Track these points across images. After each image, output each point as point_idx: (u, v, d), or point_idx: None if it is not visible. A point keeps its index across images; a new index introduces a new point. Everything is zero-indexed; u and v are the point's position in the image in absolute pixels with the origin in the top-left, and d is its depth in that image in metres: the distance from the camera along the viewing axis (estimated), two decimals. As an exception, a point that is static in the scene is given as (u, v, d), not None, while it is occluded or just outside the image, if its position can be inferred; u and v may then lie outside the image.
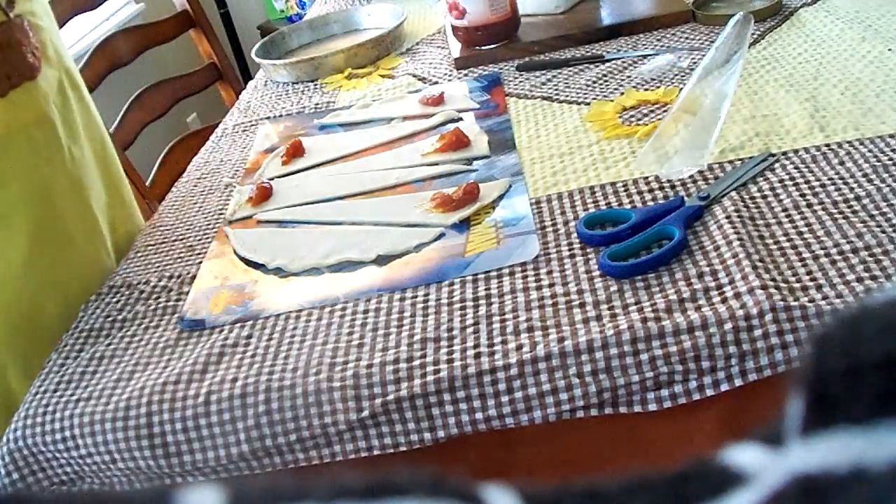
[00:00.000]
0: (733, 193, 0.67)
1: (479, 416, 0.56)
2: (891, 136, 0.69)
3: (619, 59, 0.99)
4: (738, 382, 0.53)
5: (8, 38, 0.77)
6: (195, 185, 0.96)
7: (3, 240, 0.78)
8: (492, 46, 1.09)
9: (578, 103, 0.91)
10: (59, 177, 0.83)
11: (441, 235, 0.72)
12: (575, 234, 0.67)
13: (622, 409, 0.55)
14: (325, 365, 0.59)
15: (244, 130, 1.08)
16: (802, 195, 0.65)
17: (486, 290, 0.63)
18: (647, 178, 0.73)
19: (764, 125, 0.76)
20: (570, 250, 0.65)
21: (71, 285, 0.80)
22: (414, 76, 1.11)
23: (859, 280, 0.55)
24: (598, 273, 0.62)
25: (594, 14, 1.12)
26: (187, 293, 0.73)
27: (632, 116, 0.85)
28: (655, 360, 0.54)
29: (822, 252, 0.58)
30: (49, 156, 0.82)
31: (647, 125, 0.81)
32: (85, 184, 0.87)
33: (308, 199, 0.85)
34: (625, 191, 0.72)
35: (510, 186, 0.77)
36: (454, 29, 1.12)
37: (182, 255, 0.80)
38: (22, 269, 0.78)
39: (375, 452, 0.58)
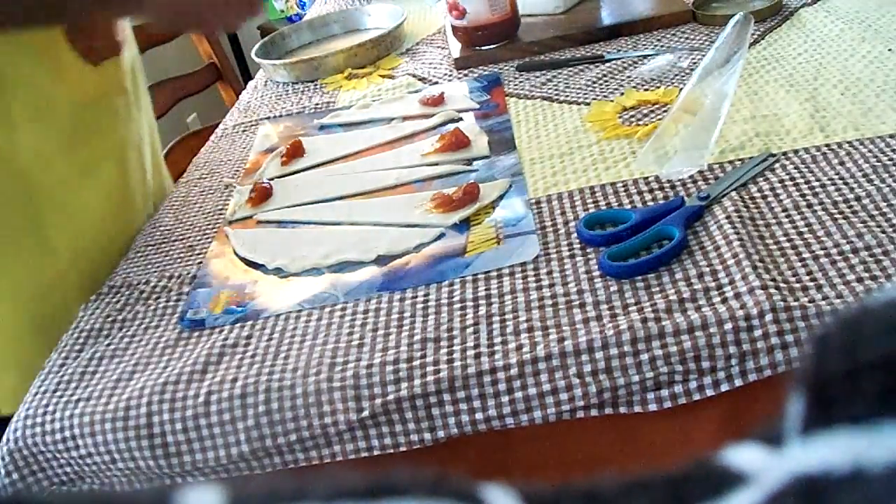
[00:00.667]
0: (733, 194, 0.67)
1: (479, 416, 0.56)
2: (891, 136, 0.69)
3: (619, 59, 0.99)
4: (738, 383, 0.53)
5: None
6: (195, 185, 0.96)
7: (88, 189, 0.88)
8: (492, 47, 1.09)
9: (578, 103, 0.91)
10: (130, 142, 0.95)
11: (441, 235, 0.72)
12: (575, 235, 0.67)
13: (622, 410, 0.55)
14: (325, 365, 0.59)
15: (244, 130, 1.08)
16: (802, 195, 0.65)
17: (486, 290, 0.63)
18: (647, 178, 0.73)
19: (764, 125, 0.76)
20: (570, 250, 0.65)
21: (128, 243, 0.88)
22: (414, 76, 1.11)
23: (859, 280, 0.55)
24: (598, 273, 0.62)
25: (594, 14, 1.12)
26: (187, 293, 0.73)
27: (632, 117, 0.85)
28: (655, 361, 0.54)
29: (822, 252, 0.58)
30: (125, 122, 0.94)
31: (647, 125, 0.81)
32: (144, 152, 0.99)
33: (308, 199, 0.85)
34: (625, 191, 0.72)
35: (510, 186, 0.77)
36: (454, 29, 1.12)
37: (182, 255, 0.80)
38: (100, 221, 0.89)
39: (375, 452, 0.58)
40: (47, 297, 0.84)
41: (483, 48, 1.09)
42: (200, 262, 0.78)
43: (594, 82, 0.95)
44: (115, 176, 0.92)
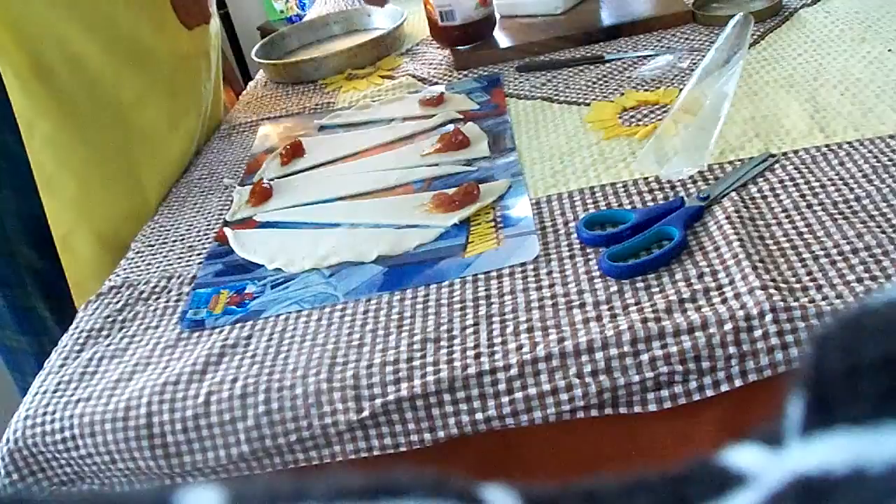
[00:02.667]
0: (733, 194, 0.67)
1: (479, 416, 0.56)
2: (891, 136, 0.69)
3: (619, 59, 0.99)
4: (738, 383, 0.53)
5: None
6: (195, 186, 0.96)
7: (174, 138, 1.01)
8: (468, 47, 1.11)
9: (578, 104, 0.91)
10: (206, 101, 1.08)
11: (441, 236, 0.72)
12: (575, 235, 0.67)
13: (622, 410, 0.55)
14: (325, 365, 0.59)
15: (244, 131, 1.08)
16: (802, 196, 0.65)
17: (486, 290, 0.63)
18: (647, 178, 0.73)
19: (764, 126, 0.76)
20: (570, 251, 0.65)
21: None
22: (414, 77, 1.11)
23: (859, 280, 0.55)
24: (598, 273, 0.62)
25: (594, 15, 1.12)
26: (187, 293, 0.73)
27: (632, 117, 0.85)
28: (655, 361, 0.54)
29: (822, 252, 0.58)
30: (206, 83, 1.08)
31: (647, 126, 0.81)
32: (209, 114, 1.11)
33: (308, 199, 0.85)
34: (625, 191, 0.72)
35: (510, 187, 0.77)
36: (432, 28, 1.13)
37: (182, 255, 0.80)
38: (180, 168, 1.02)
39: (375, 453, 0.58)
40: (130, 221, 0.94)
41: (461, 48, 1.11)
42: (200, 263, 0.78)
43: (594, 83, 0.95)
44: (193, 129, 1.05)
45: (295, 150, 0.95)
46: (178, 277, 0.76)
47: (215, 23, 1.12)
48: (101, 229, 0.95)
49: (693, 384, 0.54)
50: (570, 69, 1.00)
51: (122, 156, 0.96)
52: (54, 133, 0.91)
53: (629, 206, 0.69)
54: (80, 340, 0.70)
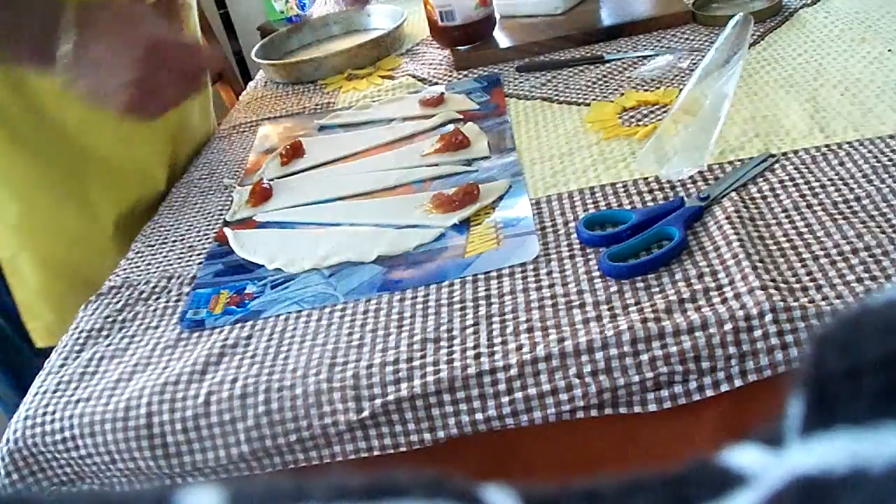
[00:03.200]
0: (733, 194, 0.67)
1: (479, 416, 0.56)
2: (891, 136, 0.69)
3: (619, 59, 0.99)
4: (738, 383, 0.53)
5: (168, 10, 0.96)
6: (195, 186, 0.96)
7: (130, 158, 0.97)
8: (467, 47, 1.11)
9: (578, 104, 0.91)
10: (172, 118, 1.01)
11: (441, 236, 0.72)
12: (575, 235, 0.67)
13: (622, 410, 0.55)
14: (325, 365, 0.59)
15: (244, 131, 1.08)
16: (802, 196, 0.65)
17: (486, 290, 0.63)
18: (647, 178, 0.73)
19: (764, 126, 0.76)
20: (570, 251, 0.65)
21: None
22: (414, 77, 1.11)
23: (859, 281, 0.55)
24: (598, 273, 0.62)
25: (594, 15, 1.12)
26: (187, 294, 0.73)
27: (632, 117, 0.85)
28: (655, 361, 0.54)
29: (821, 253, 0.58)
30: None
31: (647, 126, 0.81)
32: (192, 126, 1.08)
33: (308, 199, 0.85)
34: (625, 191, 0.72)
35: (510, 187, 0.77)
36: (432, 29, 1.13)
37: (182, 255, 0.80)
38: (137, 189, 0.98)
39: (375, 453, 0.58)
40: (80, 246, 0.92)
41: (461, 48, 1.11)
42: (200, 263, 0.78)
43: (594, 83, 0.95)
44: (151, 146, 1.00)
45: (295, 151, 0.95)
46: (178, 277, 0.76)
47: (189, 27, 1.07)
48: (48, 253, 0.93)
49: (693, 384, 0.54)
50: (570, 69, 1.00)
51: (71, 178, 0.93)
52: None
53: (629, 207, 0.69)
54: (80, 340, 0.70)
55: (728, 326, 0.53)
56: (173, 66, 0.76)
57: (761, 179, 0.68)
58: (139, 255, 0.83)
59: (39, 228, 0.92)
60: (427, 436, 0.57)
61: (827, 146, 0.71)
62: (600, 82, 0.95)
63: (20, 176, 0.90)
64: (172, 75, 0.76)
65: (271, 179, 0.91)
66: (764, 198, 0.66)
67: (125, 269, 0.80)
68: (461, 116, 0.95)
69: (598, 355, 0.55)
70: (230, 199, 0.89)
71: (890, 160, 0.66)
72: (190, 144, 1.08)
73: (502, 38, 1.12)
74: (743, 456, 0.17)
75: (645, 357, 0.54)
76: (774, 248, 0.60)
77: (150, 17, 0.81)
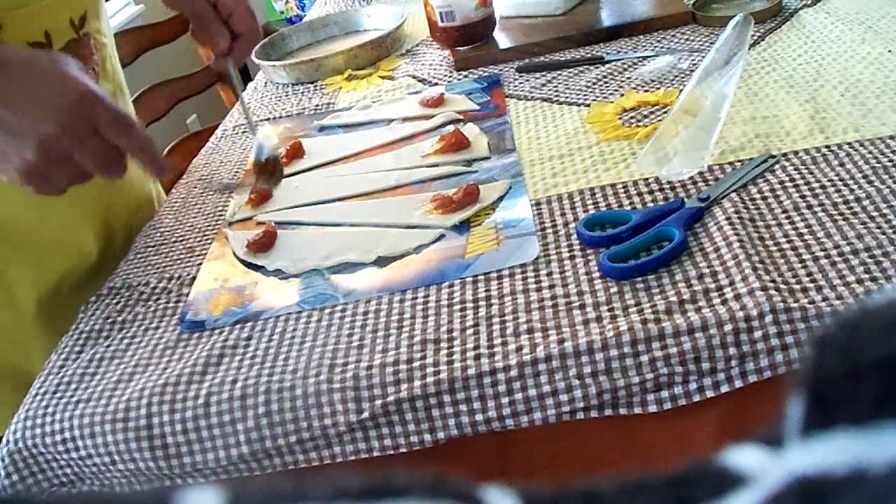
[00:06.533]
0: (733, 195, 0.67)
1: (479, 417, 0.56)
2: (891, 137, 0.69)
3: (619, 60, 0.99)
4: (738, 384, 0.53)
5: (75, 54, 0.78)
6: (195, 187, 0.96)
7: (47, 230, 0.83)
8: (469, 47, 1.11)
9: (578, 105, 0.91)
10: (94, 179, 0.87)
11: (441, 237, 0.72)
12: (575, 236, 0.67)
13: (622, 411, 0.55)
14: (325, 366, 0.59)
15: (244, 132, 1.08)
16: (802, 196, 0.65)
17: (486, 291, 0.63)
18: (647, 179, 0.73)
19: (764, 126, 0.76)
20: (570, 252, 0.65)
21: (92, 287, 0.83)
22: (414, 77, 1.11)
23: (859, 281, 0.55)
24: (598, 274, 0.62)
25: (594, 15, 1.12)
26: (187, 295, 0.73)
27: (632, 118, 0.85)
28: (655, 362, 0.54)
29: (822, 253, 0.58)
30: None
31: (647, 126, 0.81)
32: (134, 186, 0.94)
33: (308, 200, 0.85)
34: (625, 192, 0.72)
35: (510, 188, 0.77)
36: (432, 29, 1.13)
37: (182, 256, 0.80)
38: (60, 264, 0.84)
39: (375, 454, 0.58)
40: (13, 346, 0.82)
41: (461, 49, 1.11)
42: (200, 264, 0.78)
43: (594, 83, 0.95)
44: (76, 211, 0.86)
45: (295, 151, 0.95)
46: (178, 279, 0.76)
47: (105, 85, 0.89)
48: None
49: (693, 385, 0.54)
50: (570, 70, 1.00)
51: None
52: None
53: (629, 207, 0.69)
54: (80, 342, 0.70)
55: (728, 327, 0.53)
56: (99, 132, 0.63)
57: (761, 180, 0.68)
58: (139, 256, 0.83)
59: None
60: (427, 436, 0.57)
61: (827, 147, 0.71)
62: (600, 83, 0.95)
63: None
64: (93, 144, 0.63)
65: (271, 180, 0.91)
66: (764, 198, 0.66)
67: (125, 271, 0.80)
68: (461, 117, 0.95)
69: (598, 356, 0.55)
70: (230, 199, 0.89)
71: (890, 161, 0.66)
72: (127, 209, 0.94)
73: (502, 39, 1.12)
74: (743, 456, 0.17)
75: (645, 358, 0.54)
76: (774, 248, 0.60)
77: (72, 63, 0.65)
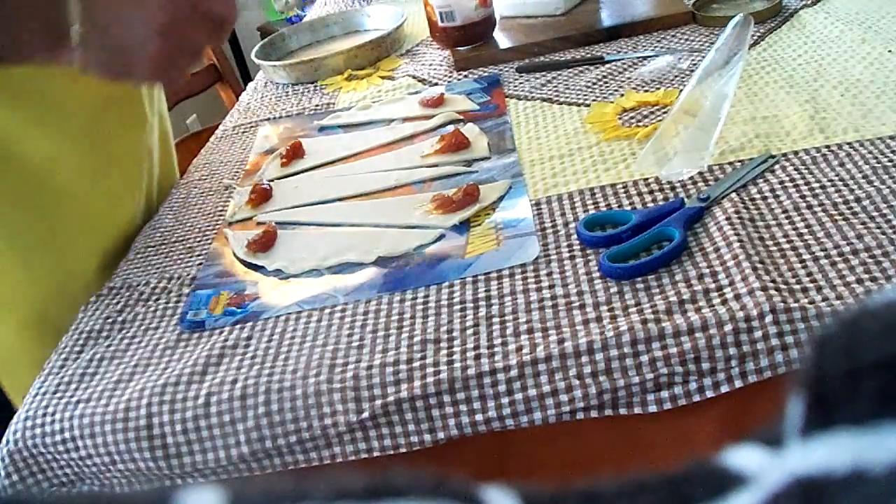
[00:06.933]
0: (733, 195, 0.67)
1: (479, 417, 0.56)
2: (891, 137, 0.69)
3: (618, 60, 0.99)
4: (738, 384, 0.53)
5: None
6: (195, 187, 0.96)
7: (100, 193, 0.88)
8: (469, 47, 1.11)
9: (578, 105, 0.91)
10: (142, 148, 0.96)
11: (441, 237, 0.72)
12: (575, 236, 0.67)
13: (622, 411, 0.55)
14: (325, 366, 0.59)
15: (244, 132, 1.08)
16: (802, 196, 0.65)
17: (486, 291, 0.63)
18: (647, 179, 0.73)
19: (764, 126, 0.76)
20: (570, 252, 0.65)
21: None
22: (414, 77, 1.11)
23: (859, 282, 0.55)
24: (598, 274, 0.62)
25: (594, 16, 1.12)
26: (187, 295, 0.73)
27: (632, 118, 0.85)
28: (655, 362, 0.54)
29: (822, 253, 0.58)
30: (138, 127, 0.95)
31: (647, 127, 0.81)
32: (153, 159, 0.99)
33: (308, 200, 0.85)
34: (625, 192, 0.72)
35: (510, 188, 0.77)
36: (432, 29, 1.13)
37: (182, 256, 0.80)
38: (110, 226, 0.90)
39: (375, 454, 0.58)
40: (59, 296, 0.84)
41: (461, 49, 1.11)
42: (200, 264, 0.78)
43: (594, 84, 0.95)
44: (124, 180, 0.92)
45: (295, 151, 0.95)
46: (178, 278, 0.76)
47: None
48: (22, 312, 0.85)
49: (693, 385, 0.54)
50: (570, 70, 1.00)
51: (40, 225, 0.84)
52: None
53: (629, 207, 0.69)
54: (80, 342, 0.70)
55: (728, 327, 0.53)
56: (200, 5, 0.66)
57: (761, 180, 0.68)
58: (139, 256, 0.83)
59: (11, 287, 0.84)
60: (427, 437, 0.57)
61: (827, 147, 0.71)
62: (600, 83, 0.95)
63: None
64: (198, 17, 0.66)
65: (271, 180, 0.91)
66: (764, 199, 0.66)
67: (125, 271, 0.80)
68: (461, 117, 0.95)
69: (598, 356, 0.55)
70: (230, 199, 0.89)
71: (890, 161, 0.66)
72: (167, 178, 1.02)
73: (502, 39, 1.12)
74: (743, 456, 0.17)
75: (645, 358, 0.54)
76: (774, 248, 0.60)
77: None
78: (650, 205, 0.69)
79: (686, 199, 0.67)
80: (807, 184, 0.66)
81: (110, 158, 0.90)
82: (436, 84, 1.07)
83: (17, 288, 0.84)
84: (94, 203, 0.88)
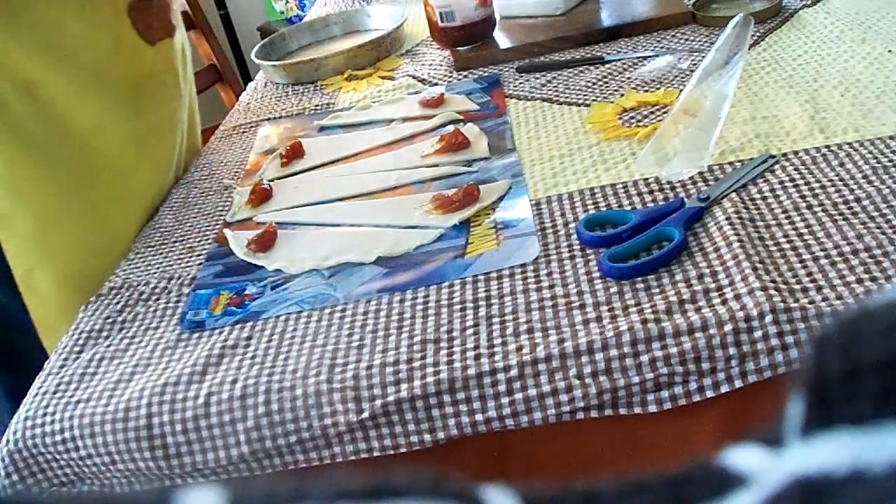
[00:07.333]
0: (733, 195, 0.67)
1: (479, 417, 0.56)
2: (891, 137, 0.69)
3: (619, 60, 0.99)
4: (738, 384, 0.53)
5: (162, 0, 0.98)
6: (195, 187, 0.96)
7: (140, 160, 0.95)
8: (468, 47, 1.11)
9: (578, 105, 0.91)
10: (177, 119, 1.03)
11: (441, 237, 0.72)
12: (575, 236, 0.67)
13: (622, 411, 0.55)
14: (325, 366, 0.59)
15: (244, 132, 1.08)
16: (802, 196, 0.65)
17: (486, 291, 0.63)
18: (647, 179, 0.73)
19: (764, 126, 0.76)
20: (570, 252, 0.65)
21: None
22: (414, 77, 1.11)
23: (859, 281, 0.55)
24: (598, 274, 0.62)
25: (594, 16, 1.12)
26: (187, 294, 0.73)
27: (632, 118, 0.85)
28: (655, 362, 0.54)
29: (822, 253, 0.58)
30: (174, 99, 1.02)
31: (647, 127, 0.81)
32: (184, 131, 1.06)
33: (308, 200, 0.85)
34: (625, 192, 0.72)
35: (510, 188, 0.77)
36: (432, 29, 1.13)
37: (182, 256, 0.80)
38: (148, 192, 0.96)
39: (375, 454, 0.57)
40: (100, 256, 0.88)
41: (461, 49, 1.11)
42: (200, 264, 0.78)
43: (594, 84, 0.95)
44: (162, 149, 0.99)
45: (295, 151, 0.95)
46: (178, 278, 0.76)
47: (181, 35, 1.06)
48: (64, 267, 0.89)
49: (693, 385, 0.54)
50: (570, 70, 1.00)
51: (85, 186, 0.90)
52: (7, 168, 0.85)
53: (629, 207, 0.69)
54: (80, 341, 0.70)
55: (728, 327, 0.53)
56: None
57: (761, 180, 0.68)
58: (139, 255, 0.83)
59: (55, 240, 0.89)
60: (427, 437, 0.57)
61: (827, 147, 0.71)
62: (600, 83, 0.95)
63: (35, 187, 0.87)
64: None
65: (271, 180, 0.91)
66: (764, 198, 0.66)
67: (125, 270, 0.80)
68: (461, 117, 0.95)
69: (598, 356, 0.55)
70: (230, 199, 0.89)
71: (890, 161, 0.66)
72: (192, 148, 1.09)
73: (502, 39, 1.12)
74: (743, 457, 0.17)
75: (645, 358, 0.54)
76: (774, 248, 0.60)
77: None
78: (650, 205, 0.69)
79: (686, 199, 0.67)
80: (807, 184, 0.66)
81: (150, 128, 0.97)
82: (436, 84, 1.07)
83: (61, 244, 0.89)
84: (136, 170, 0.94)
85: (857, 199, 0.63)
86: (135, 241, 0.87)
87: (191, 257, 0.80)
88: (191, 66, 1.11)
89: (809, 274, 0.57)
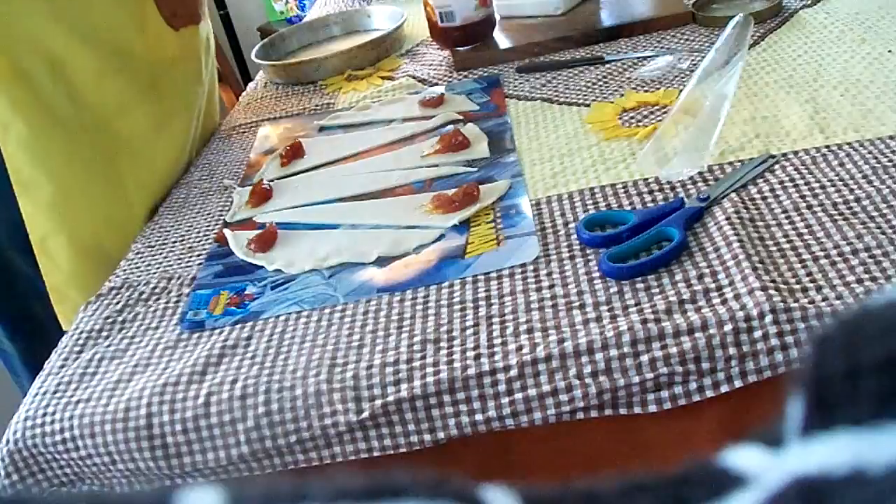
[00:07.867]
0: (733, 195, 0.67)
1: (478, 417, 0.56)
2: (891, 137, 0.69)
3: (618, 60, 0.99)
4: (738, 384, 0.53)
5: None
6: (195, 187, 0.96)
7: (160, 142, 1.00)
8: (468, 48, 1.11)
9: (578, 105, 0.91)
10: (196, 105, 1.07)
11: (441, 237, 0.72)
12: (575, 236, 0.67)
13: (622, 411, 0.55)
14: (325, 366, 0.59)
15: (244, 132, 1.08)
16: (802, 196, 0.65)
17: (485, 291, 0.63)
18: (647, 179, 0.73)
19: (764, 126, 0.76)
20: (569, 252, 0.65)
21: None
22: (414, 78, 1.11)
23: (859, 281, 0.55)
24: (597, 274, 0.62)
25: (594, 16, 1.12)
26: (187, 294, 0.73)
27: (632, 118, 0.85)
28: (655, 362, 0.54)
29: (821, 253, 0.58)
30: (195, 86, 1.06)
31: (647, 127, 0.81)
32: (200, 119, 1.09)
33: (308, 200, 0.85)
34: (625, 192, 0.72)
35: (510, 188, 0.77)
36: (432, 30, 1.13)
37: (182, 256, 0.80)
38: (166, 174, 1.00)
39: (375, 454, 0.57)
40: (116, 230, 0.93)
41: (461, 49, 1.11)
42: (200, 264, 0.78)
43: (594, 84, 0.95)
44: (184, 134, 1.03)
45: (295, 151, 0.95)
46: (178, 278, 0.76)
47: (207, 24, 1.10)
48: (79, 235, 0.93)
49: (693, 385, 0.54)
50: (570, 70, 1.00)
51: (105, 161, 0.94)
52: (31, 136, 0.88)
53: (629, 207, 0.69)
54: (80, 341, 0.70)
55: (728, 327, 0.53)
56: None
57: (761, 180, 0.68)
58: (139, 255, 0.83)
59: (72, 209, 0.92)
60: (427, 437, 0.57)
61: (827, 147, 0.71)
62: (600, 83, 0.95)
63: (56, 157, 0.91)
64: None
65: (271, 180, 0.91)
66: (764, 199, 0.66)
67: (125, 270, 0.80)
68: (461, 117, 0.95)
69: (598, 356, 0.55)
70: (230, 199, 0.89)
71: (890, 161, 0.66)
72: (209, 126, 1.12)
73: (502, 39, 1.12)
74: (743, 457, 0.17)
75: (645, 358, 0.54)
76: (774, 248, 0.60)
77: None
78: (650, 205, 0.69)
79: (686, 199, 0.67)
80: (807, 184, 0.66)
81: (170, 112, 1.01)
82: (436, 84, 1.07)
83: (78, 213, 0.93)
84: (155, 151, 0.98)
85: (857, 199, 0.63)
86: (135, 241, 0.87)
87: (191, 257, 0.80)
88: (213, 55, 1.14)
89: (809, 274, 0.57)
